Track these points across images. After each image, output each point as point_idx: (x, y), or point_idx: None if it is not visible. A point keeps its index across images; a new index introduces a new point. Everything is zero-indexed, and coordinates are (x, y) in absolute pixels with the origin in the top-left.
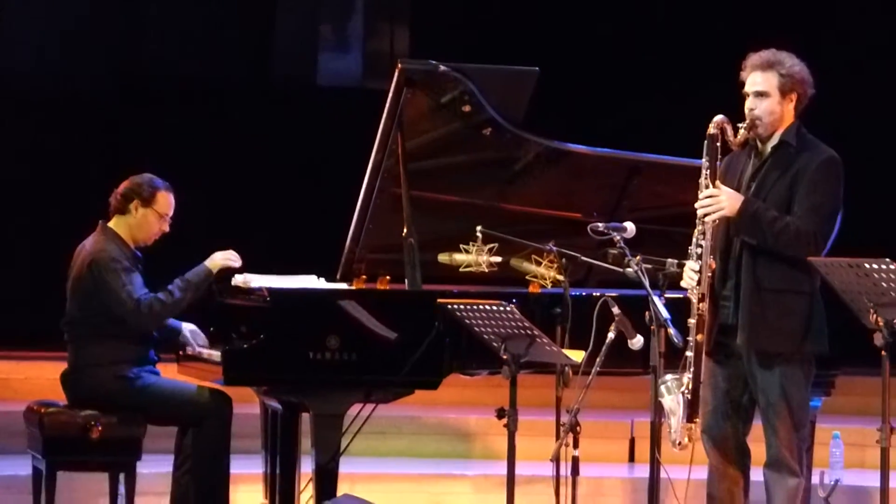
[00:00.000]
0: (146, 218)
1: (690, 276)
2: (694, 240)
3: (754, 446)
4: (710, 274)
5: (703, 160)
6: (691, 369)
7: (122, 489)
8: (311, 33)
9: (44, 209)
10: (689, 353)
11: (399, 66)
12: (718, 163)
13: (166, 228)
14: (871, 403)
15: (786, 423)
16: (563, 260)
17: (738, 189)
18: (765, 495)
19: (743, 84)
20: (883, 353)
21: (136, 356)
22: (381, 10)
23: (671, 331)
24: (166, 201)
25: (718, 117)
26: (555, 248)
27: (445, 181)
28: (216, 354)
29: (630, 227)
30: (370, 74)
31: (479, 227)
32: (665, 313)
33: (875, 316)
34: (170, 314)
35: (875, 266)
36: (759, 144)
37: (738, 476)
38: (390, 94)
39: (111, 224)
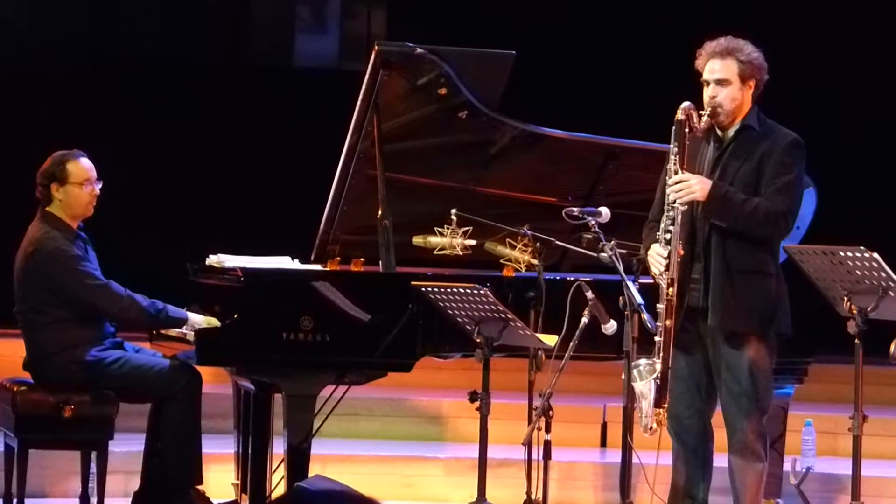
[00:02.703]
0: (70, 194)
1: (659, 261)
2: (662, 225)
3: (716, 432)
4: (678, 259)
5: (672, 146)
6: (661, 354)
7: (93, 468)
8: (287, 14)
9: (11, 186)
10: (658, 339)
11: (376, 47)
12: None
13: (97, 192)
14: (843, 391)
15: (753, 408)
16: (538, 244)
17: (699, 174)
18: (727, 481)
19: (699, 71)
20: (856, 340)
21: (91, 336)
22: None
23: (644, 316)
24: (80, 169)
25: (685, 104)
26: (529, 232)
27: (421, 163)
28: (189, 333)
29: (605, 211)
30: (347, 56)
31: (453, 210)
32: (639, 298)
33: (849, 304)
34: (135, 320)
35: (849, 254)
36: (718, 131)
37: (702, 461)
38: (366, 76)
39: (49, 209)
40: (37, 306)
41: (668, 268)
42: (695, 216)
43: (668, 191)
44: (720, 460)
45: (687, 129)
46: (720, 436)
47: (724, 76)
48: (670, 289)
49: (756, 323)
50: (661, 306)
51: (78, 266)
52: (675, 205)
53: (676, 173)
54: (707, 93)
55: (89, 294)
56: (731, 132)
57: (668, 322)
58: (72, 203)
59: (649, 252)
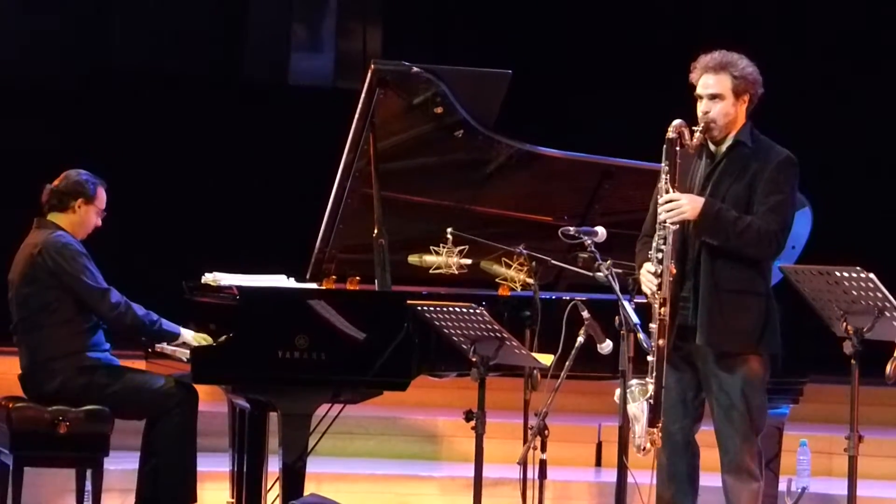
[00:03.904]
0: (88, 215)
1: (650, 279)
2: (654, 244)
3: (708, 451)
4: (670, 279)
5: (663, 164)
6: (654, 374)
7: (88, 485)
8: (283, 32)
9: (7, 203)
10: (651, 358)
11: (372, 66)
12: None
13: (100, 223)
14: (838, 411)
15: (746, 427)
16: (534, 263)
17: (690, 191)
18: (716, 502)
19: (693, 86)
20: (852, 361)
21: (89, 342)
22: (354, 10)
23: (640, 335)
24: (104, 197)
25: (677, 121)
26: (525, 251)
27: (417, 182)
28: (185, 352)
29: (601, 231)
30: (342, 74)
31: (449, 229)
32: (635, 318)
33: (845, 324)
34: (129, 328)
35: (846, 274)
36: (710, 146)
37: (688, 475)
38: (363, 95)
39: (51, 218)
40: (43, 305)
41: (659, 287)
42: (686, 234)
43: (658, 210)
44: (713, 479)
45: (678, 147)
46: (709, 455)
47: (718, 91)
48: (662, 308)
49: (743, 342)
50: (653, 326)
51: (86, 263)
52: (667, 224)
53: (667, 192)
54: (700, 107)
55: (90, 294)
56: (723, 147)
57: (660, 342)
58: (83, 223)
59: (641, 271)
